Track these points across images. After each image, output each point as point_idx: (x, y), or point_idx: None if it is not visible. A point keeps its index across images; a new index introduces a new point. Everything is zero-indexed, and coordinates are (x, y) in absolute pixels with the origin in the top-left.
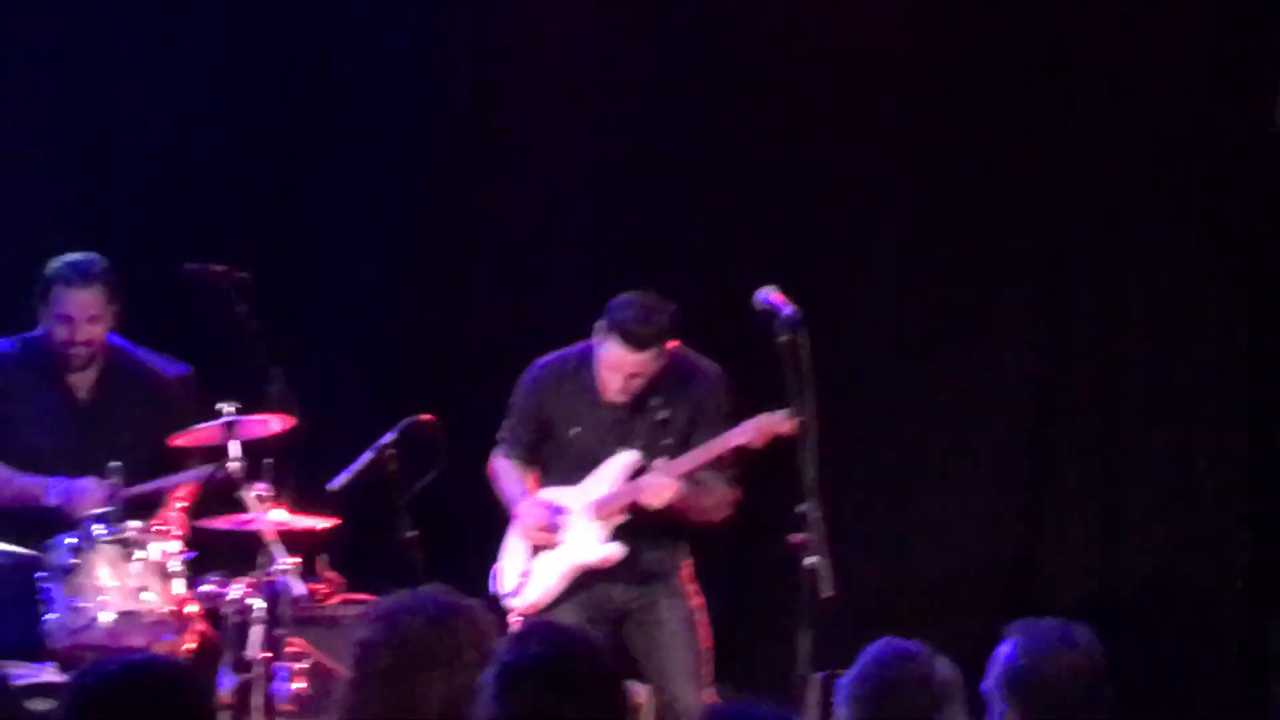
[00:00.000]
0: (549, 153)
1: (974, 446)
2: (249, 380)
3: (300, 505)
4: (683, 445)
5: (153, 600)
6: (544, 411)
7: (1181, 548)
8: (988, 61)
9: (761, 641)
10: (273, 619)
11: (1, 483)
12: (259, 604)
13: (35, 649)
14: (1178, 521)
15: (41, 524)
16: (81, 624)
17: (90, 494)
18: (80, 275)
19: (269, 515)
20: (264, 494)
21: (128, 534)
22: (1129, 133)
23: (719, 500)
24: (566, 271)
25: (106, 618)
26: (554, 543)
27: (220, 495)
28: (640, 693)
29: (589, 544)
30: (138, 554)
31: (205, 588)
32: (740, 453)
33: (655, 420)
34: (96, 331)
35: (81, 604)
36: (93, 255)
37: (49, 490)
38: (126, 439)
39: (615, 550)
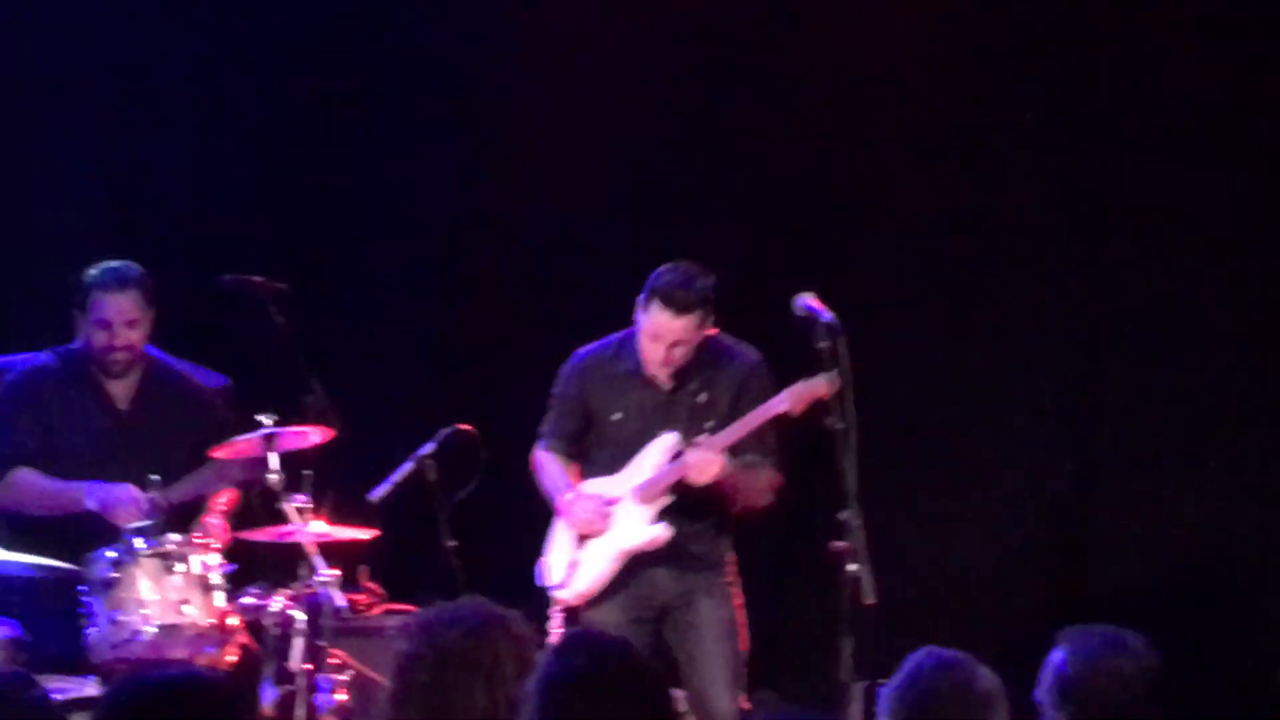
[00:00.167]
0: (585, 160)
1: (1016, 453)
2: (288, 391)
3: (340, 516)
4: (725, 427)
5: (194, 613)
6: (585, 398)
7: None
8: (1026, 57)
9: (804, 648)
10: (314, 631)
11: (41, 490)
12: (300, 616)
13: (77, 663)
14: (1226, 534)
15: (82, 538)
16: (123, 638)
17: (129, 498)
18: (118, 281)
19: (309, 527)
20: (304, 505)
21: (168, 547)
22: (1168, 124)
23: (764, 482)
24: (605, 280)
25: (148, 631)
26: (600, 530)
27: (261, 507)
28: (679, 699)
29: (635, 527)
30: (178, 567)
31: (246, 600)
32: (782, 423)
33: (696, 403)
34: (135, 337)
35: (123, 617)
36: (128, 262)
37: (88, 494)
38: (165, 450)
39: (662, 531)
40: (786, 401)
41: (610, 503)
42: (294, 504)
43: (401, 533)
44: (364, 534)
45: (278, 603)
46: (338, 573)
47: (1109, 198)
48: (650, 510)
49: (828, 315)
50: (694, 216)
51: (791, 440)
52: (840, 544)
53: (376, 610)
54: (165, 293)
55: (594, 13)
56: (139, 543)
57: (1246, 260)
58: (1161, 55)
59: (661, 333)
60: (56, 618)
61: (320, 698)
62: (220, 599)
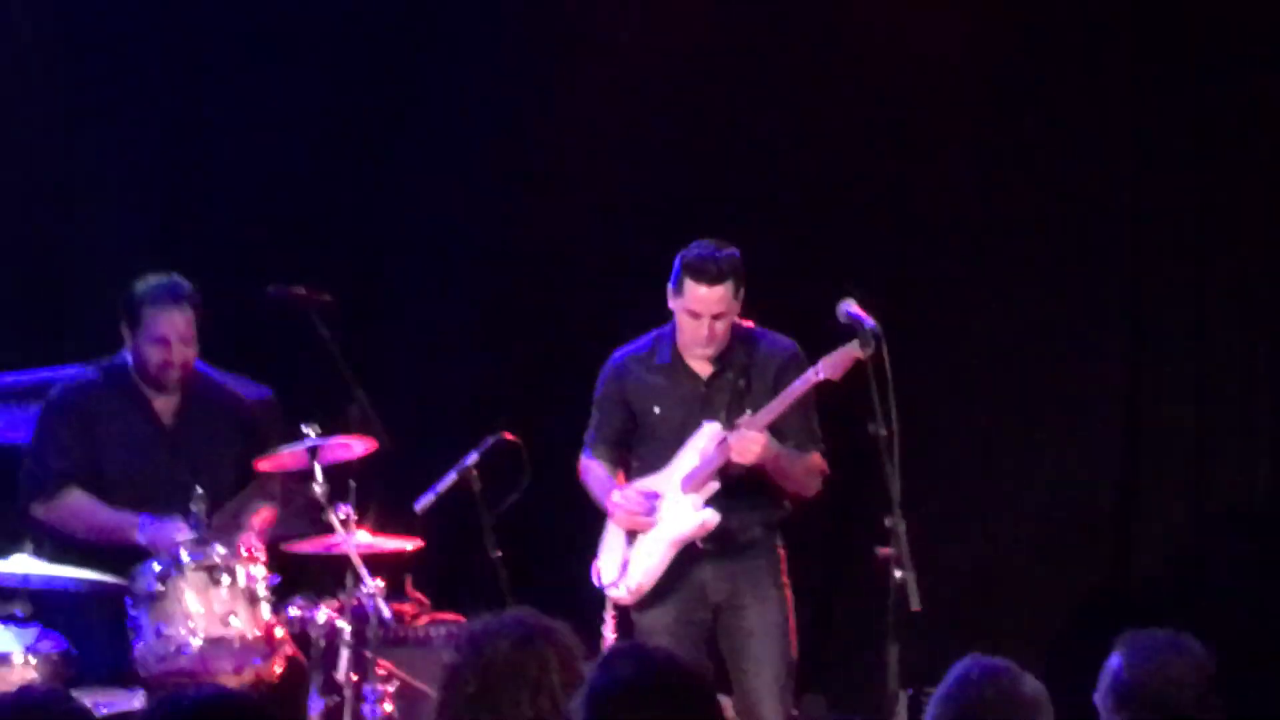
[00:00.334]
0: (629, 170)
1: (1059, 460)
2: (331, 402)
3: (385, 526)
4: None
5: (241, 625)
6: (625, 397)
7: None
8: (1074, 64)
9: (851, 654)
10: (360, 641)
11: (91, 519)
12: (346, 627)
13: (124, 676)
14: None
15: (127, 550)
16: (170, 651)
17: (179, 536)
18: (173, 297)
19: (354, 538)
20: (348, 516)
21: (214, 559)
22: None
23: (808, 466)
24: (648, 288)
25: (195, 644)
26: (650, 525)
27: (306, 518)
28: (726, 706)
29: (684, 515)
30: (224, 579)
31: (292, 611)
32: (822, 405)
33: (735, 390)
34: (190, 353)
35: (169, 630)
36: (176, 277)
37: (140, 528)
38: (210, 463)
39: (711, 516)
40: (823, 370)
41: (657, 497)
42: (338, 515)
43: (446, 543)
44: (409, 544)
45: (324, 614)
46: (383, 583)
47: (1150, 193)
48: (698, 498)
49: (871, 322)
50: (740, 226)
51: (836, 446)
52: (886, 550)
53: (422, 620)
54: (210, 303)
55: (634, 23)
56: (184, 555)
57: None
58: (1195, 52)
59: (700, 308)
60: (103, 631)
61: (367, 708)
62: (266, 611)
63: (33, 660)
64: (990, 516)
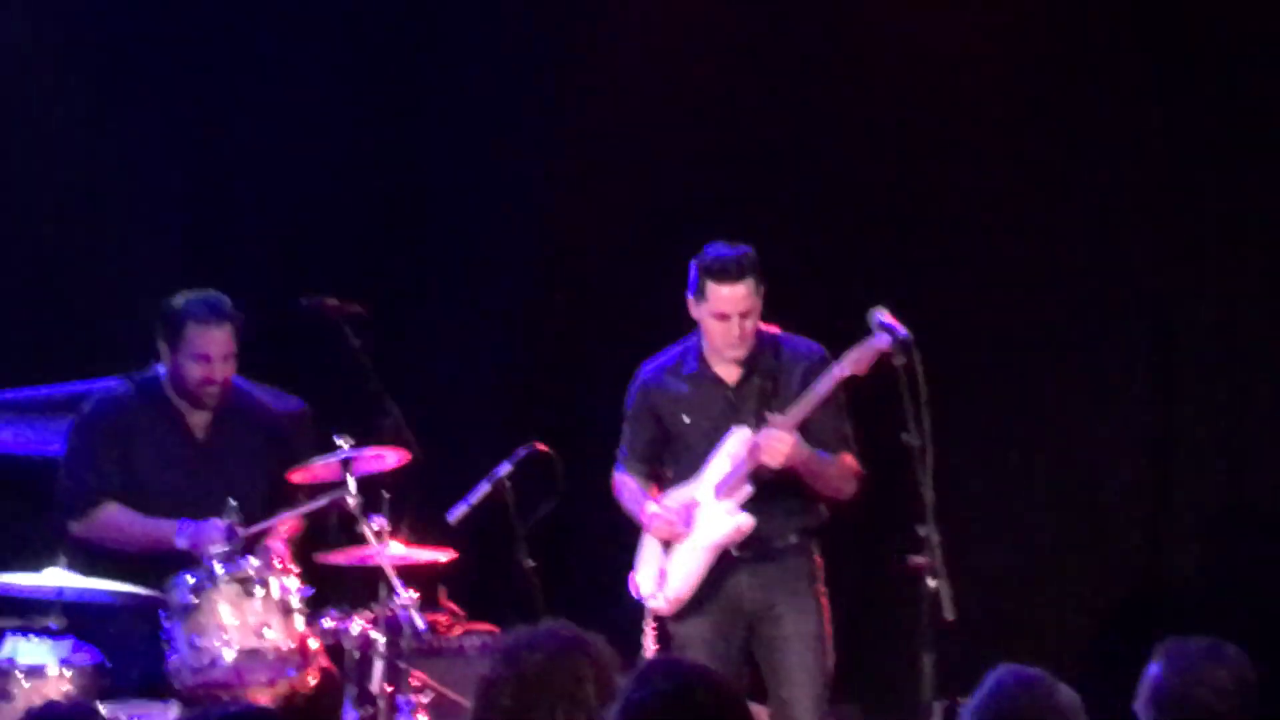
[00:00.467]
0: (661, 181)
1: (1093, 468)
2: (364, 414)
3: (418, 538)
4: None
5: (275, 637)
6: (654, 409)
7: None
8: (1100, 65)
9: (885, 664)
10: (394, 652)
11: (130, 529)
12: (380, 638)
13: (159, 689)
14: None
15: (160, 562)
16: (204, 663)
17: (219, 536)
18: (216, 314)
19: (388, 549)
20: (382, 527)
21: (248, 571)
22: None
23: (841, 468)
24: (681, 299)
25: (229, 656)
26: (685, 534)
27: (339, 529)
28: (761, 715)
29: (719, 520)
30: (258, 591)
31: (326, 623)
32: (849, 386)
33: (763, 394)
34: (230, 370)
35: (203, 642)
36: (216, 292)
37: (178, 534)
38: (243, 476)
39: (745, 519)
40: (848, 365)
41: (691, 505)
42: (372, 526)
43: (480, 553)
44: (442, 555)
45: (357, 625)
46: (417, 594)
47: (1178, 191)
48: (732, 503)
49: (903, 331)
50: (770, 235)
51: (868, 456)
52: (919, 559)
53: (456, 631)
54: (243, 315)
55: (660, 30)
56: (218, 567)
57: None
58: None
59: (727, 308)
60: (137, 643)
61: (401, 719)
62: (300, 622)
63: (67, 673)
64: (1022, 524)
